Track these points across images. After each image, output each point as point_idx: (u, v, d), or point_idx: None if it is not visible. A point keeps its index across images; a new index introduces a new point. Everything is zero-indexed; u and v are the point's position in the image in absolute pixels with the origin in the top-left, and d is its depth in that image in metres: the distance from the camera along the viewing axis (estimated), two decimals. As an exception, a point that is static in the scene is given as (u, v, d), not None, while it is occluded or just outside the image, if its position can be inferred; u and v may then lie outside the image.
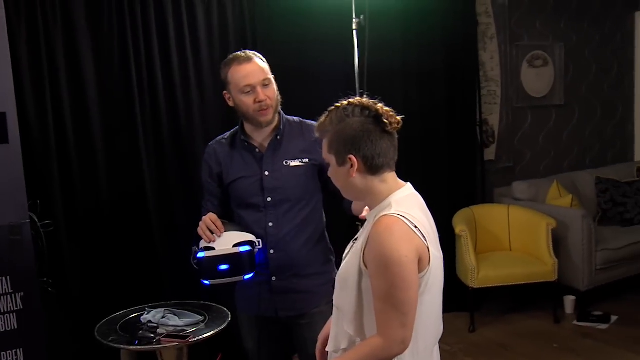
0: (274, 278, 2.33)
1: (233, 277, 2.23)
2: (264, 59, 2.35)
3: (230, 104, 2.35)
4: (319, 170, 2.33)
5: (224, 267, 2.20)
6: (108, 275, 3.46)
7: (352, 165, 1.60)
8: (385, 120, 1.60)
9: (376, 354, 1.54)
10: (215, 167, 2.41)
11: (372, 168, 1.62)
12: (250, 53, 2.32)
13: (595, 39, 5.62)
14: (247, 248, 2.21)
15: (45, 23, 3.23)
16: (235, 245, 2.21)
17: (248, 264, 2.22)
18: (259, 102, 2.25)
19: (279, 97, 2.34)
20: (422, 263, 1.56)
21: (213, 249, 2.23)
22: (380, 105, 1.63)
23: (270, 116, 2.29)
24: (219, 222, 2.26)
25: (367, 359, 1.56)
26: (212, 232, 2.24)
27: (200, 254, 2.22)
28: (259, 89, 2.25)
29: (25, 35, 3.17)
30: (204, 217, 2.28)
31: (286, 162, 2.32)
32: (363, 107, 1.62)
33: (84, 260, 3.41)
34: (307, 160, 2.33)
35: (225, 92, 2.35)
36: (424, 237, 1.56)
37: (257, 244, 2.28)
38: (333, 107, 1.66)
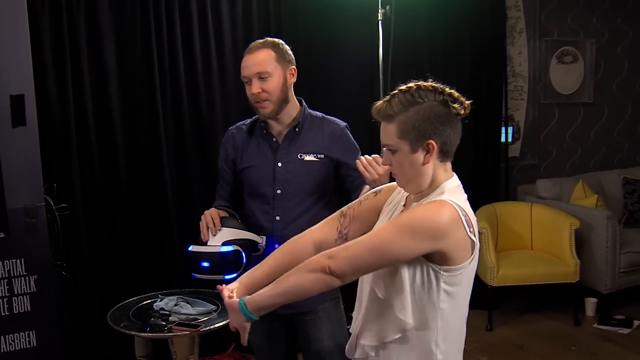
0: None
1: (213, 276, 2.19)
2: (276, 49, 2.22)
3: None
4: (335, 167, 2.28)
5: (205, 264, 2.18)
6: (123, 261, 3.48)
7: (428, 152, 1.50)
8: (457, 105, 1.51)
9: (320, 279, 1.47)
10: (231, 153, 2.38)
11: (445, 155, 1.52)
12: (259, 43, 2.23)
13: (629, 35, 5.48)
14: (229, 248, 2.15)
15: (69, 6, 3.23)
16: (224, 244, 2.17)
17: (232, 265, 2.17)
18: (252, 94, 2.21)
19: (288, 90, 2.25)
20: (451, 260, 1.46)
21: (205, 243, 2.21)
22: (449, 89, 1.54)
23: (269, 110, 2.22)
24: (217, 219, 2.22)
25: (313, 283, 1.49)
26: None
27: (190, 247, 2.22)
28: (253, 81, 2.20)
29: (48, 18, 3.18)
30: (205, 212, 2.25)
31: (301, 156, 2.26)
32: (436, 91, 1.52)
33: (100, 245, 3.42)
34: (322, 156, 2.27)
35: None
36: (472, 232, 1.47)
37: (261, 242, 2.24)
38: (396, 91, 1.54)
